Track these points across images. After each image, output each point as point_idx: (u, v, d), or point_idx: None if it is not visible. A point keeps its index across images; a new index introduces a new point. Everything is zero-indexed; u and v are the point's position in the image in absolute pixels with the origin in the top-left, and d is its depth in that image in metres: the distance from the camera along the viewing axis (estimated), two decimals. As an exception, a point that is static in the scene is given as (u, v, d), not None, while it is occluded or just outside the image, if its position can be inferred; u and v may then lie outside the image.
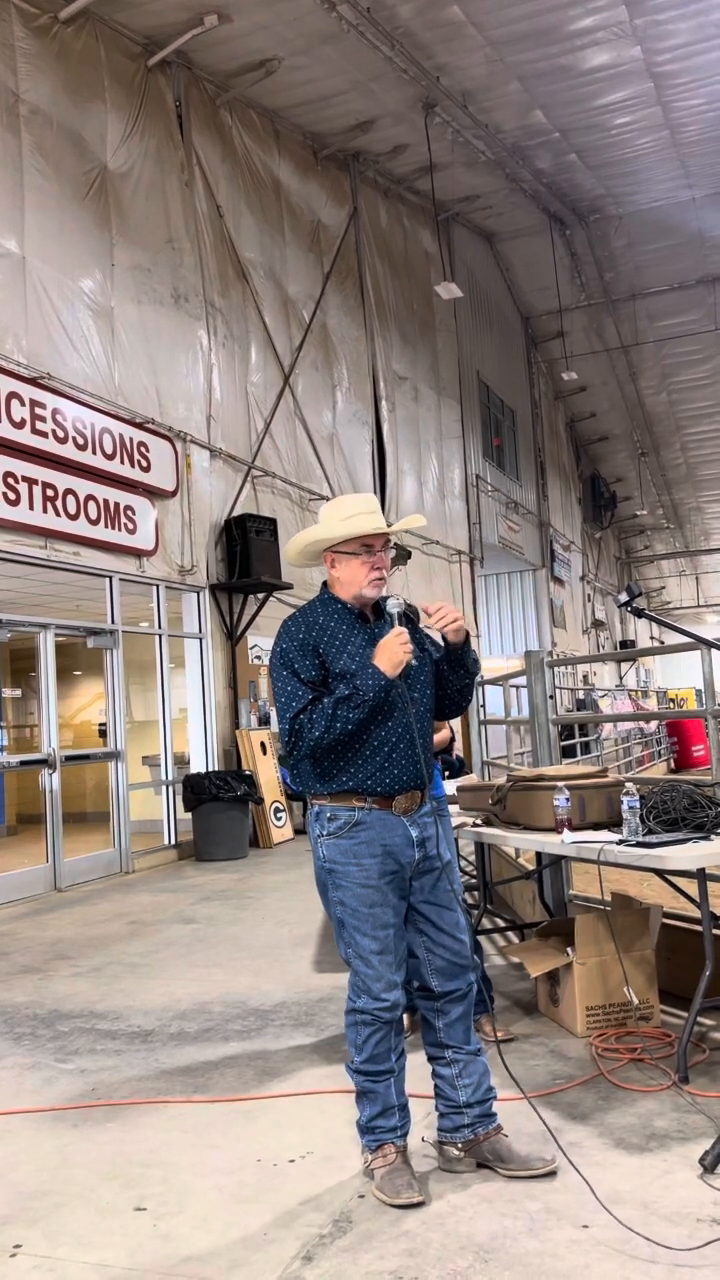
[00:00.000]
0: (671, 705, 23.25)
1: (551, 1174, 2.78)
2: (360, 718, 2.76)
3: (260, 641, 11.45)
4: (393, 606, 2.88)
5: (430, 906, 2.89)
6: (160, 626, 10.05)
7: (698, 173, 15.53)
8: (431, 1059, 2.96)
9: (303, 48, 11.07)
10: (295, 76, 11.64)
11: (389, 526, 2.93)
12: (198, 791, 9.45)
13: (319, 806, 2.89)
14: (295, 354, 12.70)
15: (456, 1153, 2.88)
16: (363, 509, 2.91)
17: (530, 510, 22.26)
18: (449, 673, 2.98)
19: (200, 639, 10.61)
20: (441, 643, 2.97)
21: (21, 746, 12.67)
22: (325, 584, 3.01)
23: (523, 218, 17.47)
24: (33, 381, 8.35)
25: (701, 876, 3.65)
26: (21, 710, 13.37)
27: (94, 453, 8.97)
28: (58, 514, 8.50)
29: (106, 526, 9.09)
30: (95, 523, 8.95)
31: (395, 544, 15.19)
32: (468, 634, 2.97)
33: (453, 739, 4.83)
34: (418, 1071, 3.68)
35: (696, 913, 3.89)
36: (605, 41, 11.70)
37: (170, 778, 10.11)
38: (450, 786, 4.74)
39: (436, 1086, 2.95)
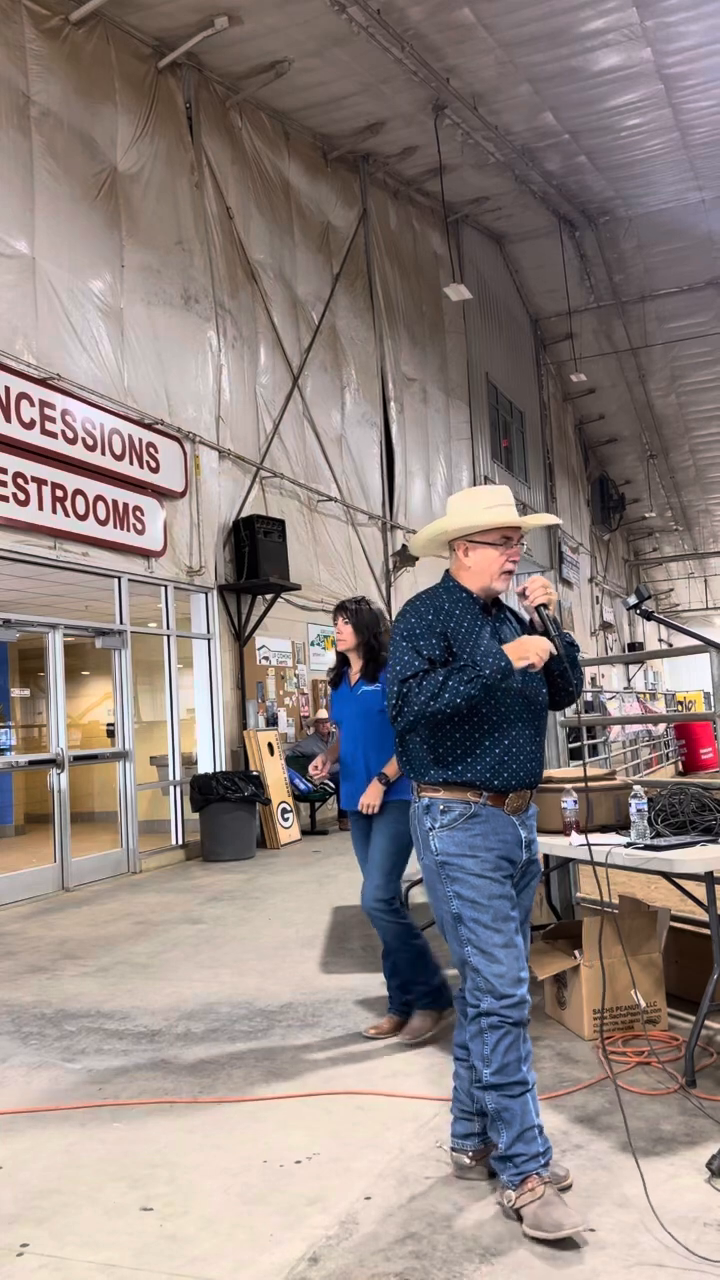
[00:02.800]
0: (680, 708, 23.19)
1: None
2: (471, 694, 2.66)
3: (268, 642, 11.46)
4: (550, 611, 2.86)
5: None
6: (168, 627, 10.06)
7: (707, 175, 15.51)
8: (457, 1059, 2.92)
9: (313, 50, 11.09)
10: (305, 78, 11.66)
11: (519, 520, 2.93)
12: (205, 792, 9.47)
13: (429, 799, 2.80)
14: (304, 355, 12.72)
15: (468, 1161, 2.86)
16: (503, 500, 2.91)
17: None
18: (561, 681, 2.96)
19: (208, 640, 10.63)
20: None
21: (30, 746, 12.71)
22: (448, 572, 2.98)
23: (532, 219, 17.47)
24: (42, 382, 8.38)
25: (710, 880, 3.64)
26: (30, 710, 13.40)
27: (103, 453, 8.99)
28: (67, 514, 8.53)
29: (115, 527, 9.11)
30: (104, 523, 8.97)
31: (404, 545, 14.99)
32: (570, 643, 2.92)
33: None
34: (428, 1074, 3.68)
35: (704, 916, 3.89)
36: (616, 43, 11.69)
37: (178, 778, 10.13)
38: None
39: (454, 1087, 2.92)
